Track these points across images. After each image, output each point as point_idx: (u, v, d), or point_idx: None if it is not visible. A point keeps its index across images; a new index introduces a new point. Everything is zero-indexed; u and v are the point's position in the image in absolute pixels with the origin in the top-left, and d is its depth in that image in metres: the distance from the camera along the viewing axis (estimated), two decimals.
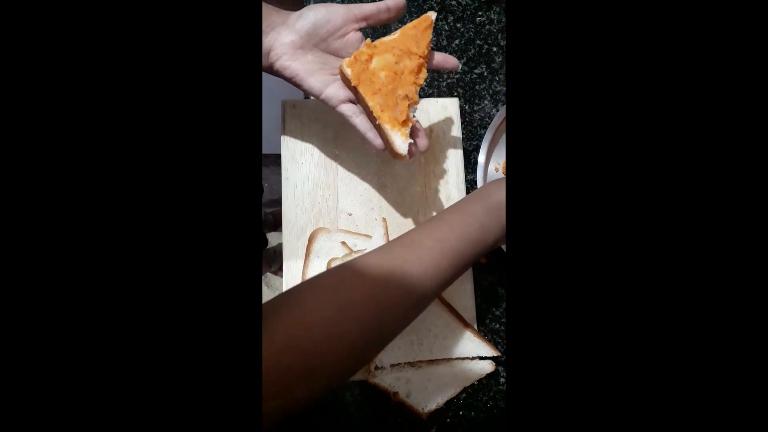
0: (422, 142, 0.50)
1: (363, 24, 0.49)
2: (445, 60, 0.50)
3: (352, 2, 0.64)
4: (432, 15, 0.48)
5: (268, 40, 0.48)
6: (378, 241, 0.51)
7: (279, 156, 0.58)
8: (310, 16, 0.48)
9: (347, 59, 0.47)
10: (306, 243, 0.55)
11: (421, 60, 0.47)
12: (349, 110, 0.48)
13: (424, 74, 0.48)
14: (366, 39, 0.48)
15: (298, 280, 0.54)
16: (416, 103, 0.47)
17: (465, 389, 0.53)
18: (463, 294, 0.55)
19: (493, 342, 0.55)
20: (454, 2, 0.65)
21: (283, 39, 0.47)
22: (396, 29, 0.50)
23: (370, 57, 0.47)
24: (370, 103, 0.46)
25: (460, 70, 0.63)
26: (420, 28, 0.48)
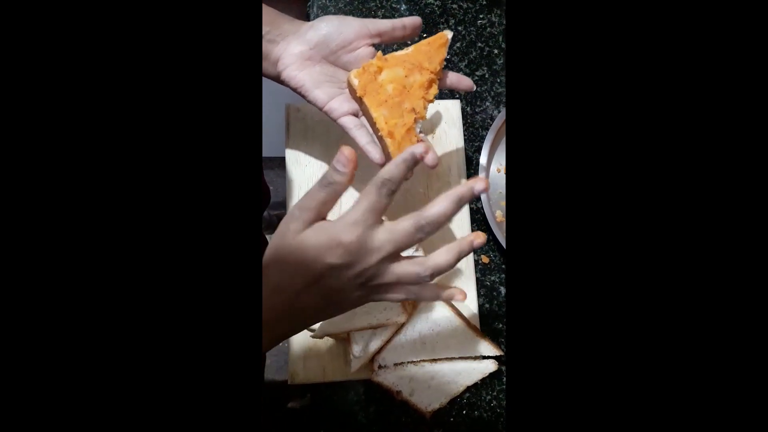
0: (430, 157, 0.47)
1: (376, 40, 0.48)
2: (458, 81, 0.49)
3: (367, 12, 0.65)
4: (448, 34, 0.47)
5: (278, 50, 0.47)
6: None
7: (284, 159, 0.59)
8: (322, 28, 0.47)
9: (355, 69, 0.46)
10: None
11: (432, 75, 0.46)
12: (350, 122, 0.48)
13: (434, 90, 0.47)
14: (378, 52, 0.47)
15: None
16: (423, 118, 0.46)
17: (468, 388, 0.54)
18: (466, 293, 0.56)
19: (496, 341, 0.55)
20: (455, 5, 0.66)
21: (292, 49, 0.47)
22: (408, 45, 0.49)
23: (380, 69, 0.46)
24: (375, 114, 0.45)
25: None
26: (434, 45, 0.47)
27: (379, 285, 0.39)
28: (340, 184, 0.38)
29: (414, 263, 0.39)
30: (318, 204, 0.38)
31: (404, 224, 0.37)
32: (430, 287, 0.40)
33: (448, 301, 0.41)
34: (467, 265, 0.56)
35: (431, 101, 0.46)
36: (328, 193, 0.38)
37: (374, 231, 0.37)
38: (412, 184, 0.58)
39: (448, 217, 0.37)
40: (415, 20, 0.47)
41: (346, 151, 0.38)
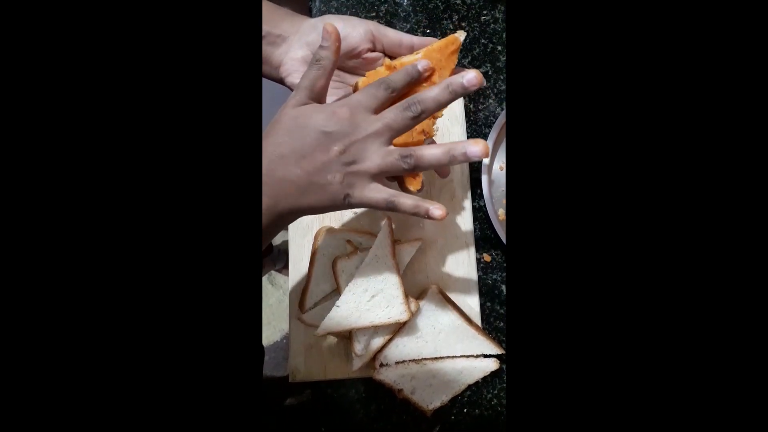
0: (444, 170, 0.48)
1: (379, 49, 0.46)
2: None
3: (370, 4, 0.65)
4: (461, 36, 0.43)
5: (279, 53, 0.45)
6: (383, 239, 0.51)
7: None
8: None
9: (362, 79, 0.43)
10: (312, 241, 0.55)
11: None
12: None
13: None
14: (385, 59, 0.45)
15: (304, 279, 0.55)
16: (432, 136, 0.44)
17: (469, 386, 0.53)
18: (468, 292, 0.56)
19: (497, 340, 0.55)
20: (458, 1, 0.65)
21: (293, 54, 0.45)
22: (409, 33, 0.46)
23: None
24: None
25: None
26: (446, 52, 0.43)
27: (362, 171, 0.39)
28: (328, 59, 0.40)
29: (401, 148, 0.39)
30: (311, 81, 0.40)
31: (396, 104, 0.39)
32: (411, 196, 0.40)
33: (426, 215, 0.40)
34: (469, 263, 0.56)
35: (440, 117, 0.44)
36: (318, 69, 0.40)
37: (368, 112, 0.39)
38: None
39: (438, 100, 0.39)
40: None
41: (328, 27, 0.40)
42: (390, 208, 0.40)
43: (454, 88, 0.38)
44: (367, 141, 0.38)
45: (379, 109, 0.39)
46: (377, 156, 0.38)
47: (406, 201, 0.40)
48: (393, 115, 0.38)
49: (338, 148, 0.38)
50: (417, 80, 0.41)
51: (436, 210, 0.39)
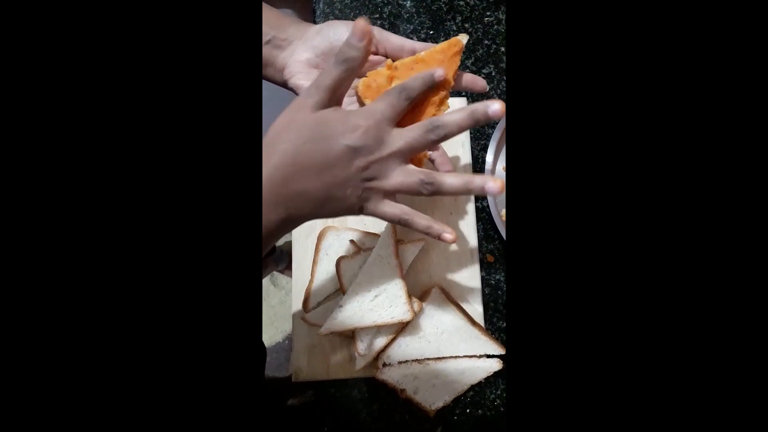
0: (446, 169, 0.48)
1: (382, 53, 0.46)
2: (473, 82, 0.47)
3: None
4: (463, 38, 0.43)
5: (283, 56, 0.46)
6: (386, 239, 0.51)
7: None
8: (329, 34, 0.45)
9: (363, 80, 0.43)
10: (315, 241, 0.56)
11: (445, 92, 0.43)
12: None
13: (446, 106, 0.44)
14: (387, 60, 0.45)
15: (307, 279, 0.55)
16: (428, 157, 0.44)
17: (472, 387, 0.54)
18: (471, 292, 0.56)
19: (500, 340, 0.55)
20: (462, 2, 0.65)
21: (298, 56, 0.45)
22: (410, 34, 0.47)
23: (390, 79, 0.43)
24: None
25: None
26: (449, 54, 0.43)
27: (380, 189, 0.38)
28: (356, 60, 0.38)
29: (421, 170, 0.39)
30: (334, 82, 0.38)
31: (418, 124, 0.38)
32: (425, 216, 0.40)
33: (437, 237, 0.40)
34: (472, 263, 0.56)
35: (447, 108, 0.44)
36: (344, 71, 0.38)
37: (390, 126, 0.38)
38: None
39: (460, 126, 0.38)
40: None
41: (361, 23, 0.37)
42: (403, 224, 0.40)
43: (477, 117, 0.38)
44: (389, 159, 0.38)
45: (397, 119, 0.39)
46: (397, 175, 0.38)
47: (420, 221, 0.40)
48: (416, 135, 0.38)
49: (360, 164, 0.37)
50: (433, 88, 0.41)
51: (448, 234, 0.40)
